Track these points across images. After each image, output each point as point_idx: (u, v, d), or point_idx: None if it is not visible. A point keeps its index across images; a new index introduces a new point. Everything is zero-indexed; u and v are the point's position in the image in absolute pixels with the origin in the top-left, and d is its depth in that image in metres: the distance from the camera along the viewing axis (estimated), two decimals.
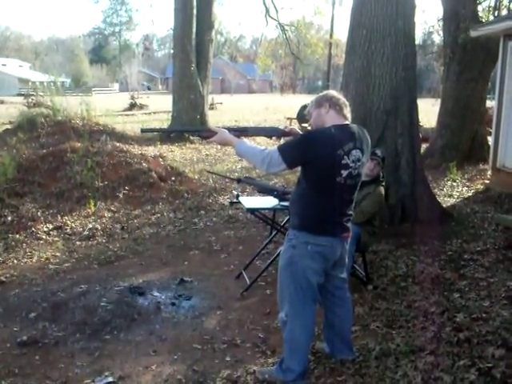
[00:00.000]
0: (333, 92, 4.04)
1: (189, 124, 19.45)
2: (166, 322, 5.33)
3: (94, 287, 6.02)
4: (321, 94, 4.05)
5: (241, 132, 4.38)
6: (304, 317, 3.96)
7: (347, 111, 3.92)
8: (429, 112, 19.42)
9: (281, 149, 3.74)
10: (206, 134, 4.29)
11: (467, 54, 13.60)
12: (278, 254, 6.15)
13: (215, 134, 4.11)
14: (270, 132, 4.63)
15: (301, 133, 4.26)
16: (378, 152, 5.95)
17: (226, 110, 37.81)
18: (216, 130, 4.13)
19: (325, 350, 4.48)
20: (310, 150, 3.69)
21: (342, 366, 4.25)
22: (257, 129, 4.77)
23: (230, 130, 4.18)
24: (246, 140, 4.09)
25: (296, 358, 3.99)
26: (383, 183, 6.04)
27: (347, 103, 3.96)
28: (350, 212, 3.99)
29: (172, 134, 18.67)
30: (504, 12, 16.11)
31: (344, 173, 3.73)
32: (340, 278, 4.17)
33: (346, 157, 3.71)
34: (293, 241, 3.93)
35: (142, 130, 4.82)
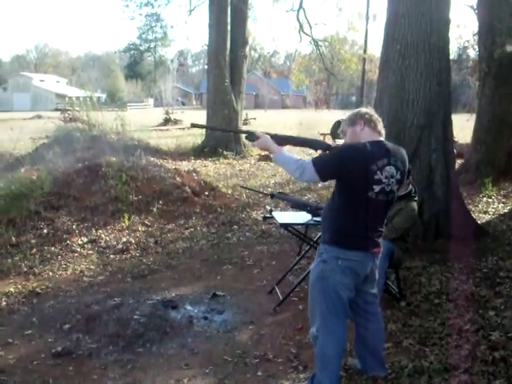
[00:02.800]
0: (365, 109, 4.06)
1: (223, 139, 19.52)
2: (199, 336, 5.34)
3: (128, 300, 6.06)
4: (354, 111, 4.08)
5: (285, 140, 4.41)
6: (335, 332, 3.94)
7: (381, 127, 3.94)
8: (464, 127, 19.21)
9: (315, 161, 3.79)
10: (250, 137, 4.33)
11: (503, 68, 13.45)
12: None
13: (258, 138, 4.18)
14: (314, 144, 4.63)
15: None
16: None
17: (259, 125, 37.84)
18: (259, 135, 4.19)
19: (356, 366, 4.46)
20: (343, 165, 3.72)
21: (374, 382, 4.22)
22: (301, 139, 4.77)
23: (274, 136, 4.23)
24: (285, 150, 4.14)
25: (327, 374, 3.97)
26: (415, 198, 5.99)
27: (380, 119, 3.98)
28: (382, 228, 3.99)
29: (206, 149, 18.84)
30: None
31: (376, 188, 3.74)
32: (371, 293, 4.15)
33: (378, 172, 3.72)
34: (323, 255, 3.93)
35: (192, 125, 4.86)
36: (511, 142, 13.73)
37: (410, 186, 5.97)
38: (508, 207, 10.88)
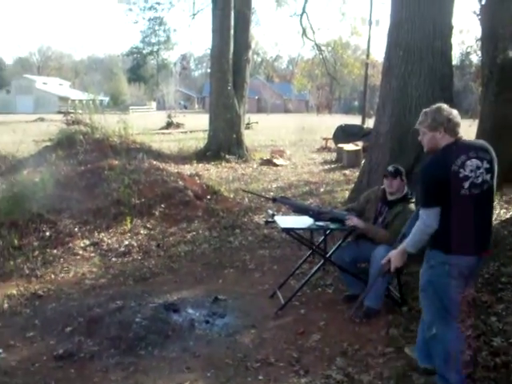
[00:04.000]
0: (446, 111, 4.03)
1: (225, 143, 19.55)
2: (200, 340, 5.35)
3: (130, 303, 6.06)
4: (435, 110, 4.08)
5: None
6: (454, 329, 4.08)
7: (459, 128, 4.01)
8: (466, 133, 18.95)
9: (422, 205, 3.96)
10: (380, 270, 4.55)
11: (506, 74, 13.43)
12: (313, 275, 6.18)
13: (389, 262, 4.37)
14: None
15: None
16: (390, 168, 5.96)
17: (261, 129, 37.91)
18: (388, 257, 4.39)
19: (412, 355, 4.58)
20: (433, 183, 3.87)
21: None
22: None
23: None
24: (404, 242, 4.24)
25: (453, 369, 4.05)
26: (412, 200, 6.01)
27: (460, 121, 4.03)
28: (490, 224, 4.12)
29: (208, 152, 18.92)
30: None
31: (466, 184, 3.83)
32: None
33: (461, 169, 3.82)
34: (431, 261, 4.04)
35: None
36: None
37: (406, 188, 5.99)
38: (510, 213, 10.87)
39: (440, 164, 3.87)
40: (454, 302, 4.00)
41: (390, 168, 6.00)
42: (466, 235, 3.89)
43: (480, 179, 3.87)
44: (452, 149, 3.91)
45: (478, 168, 3.86)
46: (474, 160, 3.86)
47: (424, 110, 4.15)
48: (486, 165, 3.91)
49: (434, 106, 4.11)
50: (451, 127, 3.94)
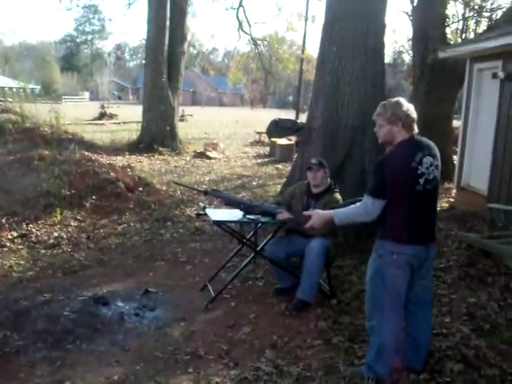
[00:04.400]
0: (405, 106, 4.09)
1: (158, 135, 19.44)
2: (130, 333, 5.30)
3: (58, 296, 5.97)
4: (394, 104, 4.12)
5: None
6: (392, 322, 4.11)
7: (415, 124, 4.09)
8: None
9: (371, 192, 3.99)
10: (296, 221, 4.52)
11: (435, 74, 13.81)
12: (243, 268, 6.21)
13: (309, 218, 4.38)
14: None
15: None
16: (314, 160, 6.07)
17: (196, 122, 37.82)
18: (310, 213, 4.43)
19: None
20: (391, 177, 3.90)
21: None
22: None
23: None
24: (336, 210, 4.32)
25: (384, 363, 4.11)
26: (337, 190, 6.12)
27: (416, 117, 4.10)
28: (434, 217, 4.21)
29: (141, 144, 18.77)
30: (471, 35, 16.44)
31: (421, 180, 3.93)
32: (423, 286, 4.27)
33: (419, 166, 3.91)
34: (379, 251, 4.12)
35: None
36: (442, 145, 14.11)
37: (329, 179, 6.10)
38: (437, 209, 11.16)
39: (400, 160, 3.95)
40: (399, 293, 4.08)
41: (314, 160, 6.11)
42: (417, 227, 4.02)
43: (432, 176, 3.99)
44: (410, 145, 4.00)
45: (431, 165, 3.99)
46: (428, 157, 3.97)
47: (382, 103, 4.20)
48: (435, 162, 4.04)
49: (393, 100, 4.17)
50: (409, 122, 4.03)
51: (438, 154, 4.13)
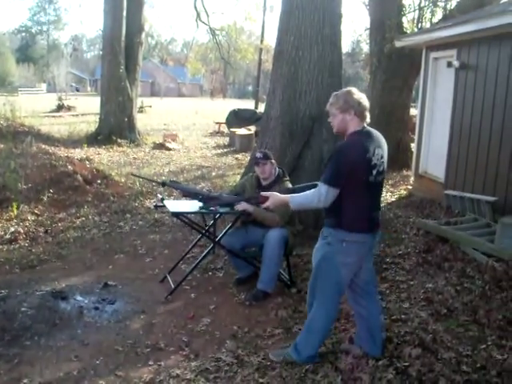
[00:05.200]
0: (356, 95, 4.12)
1: (117, 126, 19.28)
2: (89, 327, 5.25)
3: (15, 292, 5.86)
4: (346, 92, 4.15)
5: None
6: (329, 308, 4.29)
7: (367, 113, 4.12)
8: None
9: (327, 180, 3.97)
10: (254, 201, 4.49)
11: (392, 63, 13.96)
12: (203, 258, 6.20)
13: (267, 198, 4.42)
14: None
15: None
16: (259, 154, 6.08)
17: (155, 113, 37.56)
18: (268, 195, 4.44)
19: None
20: (348, 166, 3.93)
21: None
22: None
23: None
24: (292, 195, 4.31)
25: (310, 345, 4.31)
26: (286, 177, 6.15)
27: (368, 105, 4.14)
28: (379, 206, 4.36)
29: (99, 136, 18.59)
30: (427, 25, 16.62)
31: (374, 171, 4.00)
32: (366, 268, 4.34)
33: (373, 157, 3.97)
34: (329, 238, 4.13)
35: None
36: (399, 133, 14.31)
37: (277, 168, 6.13)
38: (395, 196, 11.31)
39: (358, 150, 3.97)
40: (342, 281, 4.16)
41: (259, 154, 6.09)
42: (369, 215, 4.12)
43: (382, 167, 4.07)
44: (364, 136, 4.05)
45: (382, 157, 4.06)
46: (379, 149, 4.04)
47: (334, 93, 4.22)
48: (385, 154, 4.12)
49: (345, 90, 4.22)
50: (361, 110, 4.06)
51: (386, 146, 4.20)
